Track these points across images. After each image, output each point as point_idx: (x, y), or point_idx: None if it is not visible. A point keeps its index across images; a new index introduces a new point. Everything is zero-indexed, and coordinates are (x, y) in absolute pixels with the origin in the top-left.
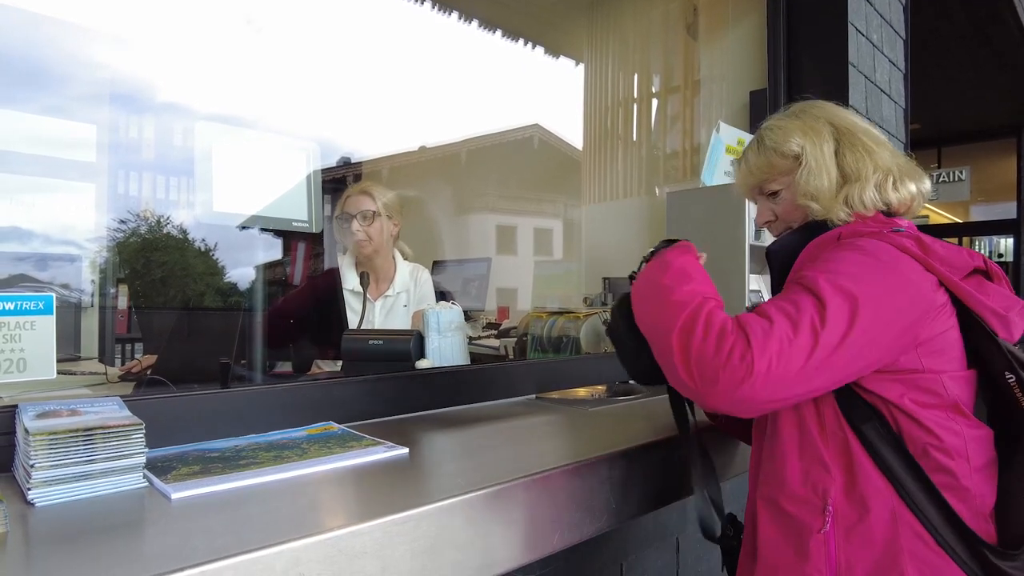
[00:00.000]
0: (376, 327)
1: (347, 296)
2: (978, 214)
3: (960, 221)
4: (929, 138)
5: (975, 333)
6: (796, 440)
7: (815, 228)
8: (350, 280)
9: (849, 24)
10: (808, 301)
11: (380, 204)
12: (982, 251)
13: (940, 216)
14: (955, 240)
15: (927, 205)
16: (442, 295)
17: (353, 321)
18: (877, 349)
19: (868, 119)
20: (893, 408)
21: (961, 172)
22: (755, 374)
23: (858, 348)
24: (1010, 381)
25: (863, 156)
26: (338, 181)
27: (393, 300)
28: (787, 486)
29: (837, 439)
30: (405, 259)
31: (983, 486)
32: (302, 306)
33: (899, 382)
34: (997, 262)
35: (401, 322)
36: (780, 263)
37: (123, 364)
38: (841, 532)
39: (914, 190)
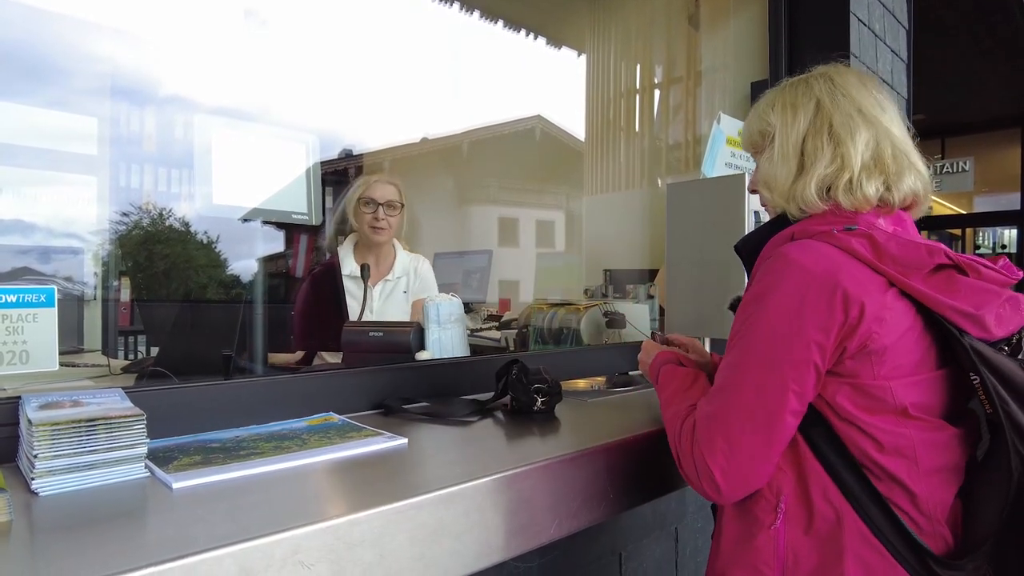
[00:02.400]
0: (374, 312)
1: (346, 282)
2: (982, 205)
3: (963, 212)
4: (933, 129)
5: (943, 333)
6: None
7: (778, 223)
8: (348, 265)
9: (851, 14)
10: (727, 393)
11: (403, 196)
12: (985, 242)
13: (943, 207)
14: (958, 232)
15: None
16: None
17: (352, 307)
18: (805, 377)
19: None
20: (835, 413)
21: (965, 163)
22: (721, 490)
23: (785, 396)
24: (975, 383)
25: (823, 146)
26: (340, 173)
27: (393, 285)
28: None
29: (789, 441)
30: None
31: (936, 490)
32: (306, 302)
33: (844, 385)
34: (1000, 253)
35: (399, 308)
36: (747, 257)
37: (126, 356)
38: (790, 529)
39: (872, 193)
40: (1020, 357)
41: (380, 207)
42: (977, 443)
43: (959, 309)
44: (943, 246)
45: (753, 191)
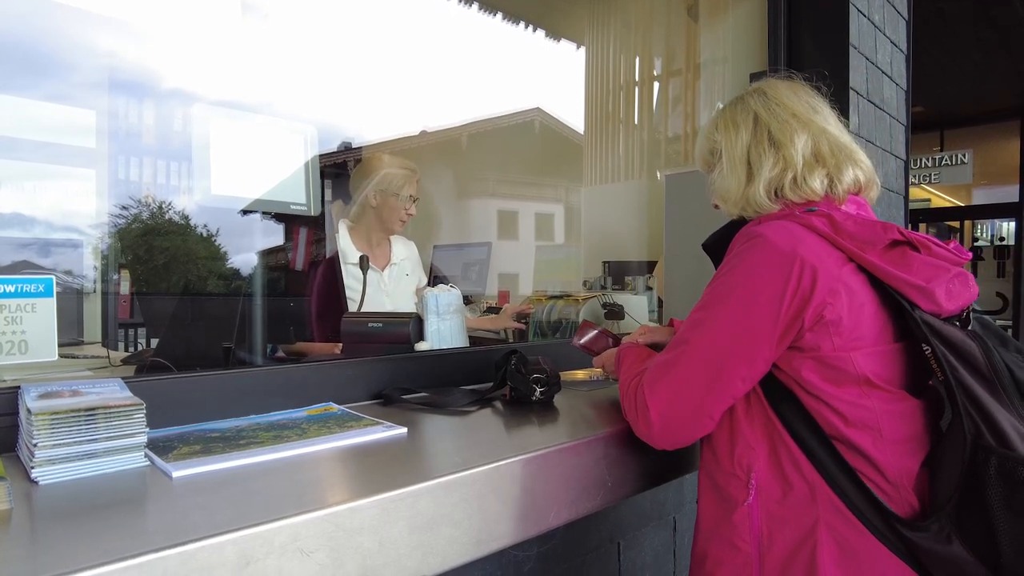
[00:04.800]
0: (389, 295)
1: (352, 269)
2: (980, 197)
3: (962, 204)
4: (932, 121)
5: (897, 306)
6: (727, 418)
7: (739, 221)
8: (352, 254)
9: (850, 4)
10: (680, 346)
11: None
12: (983, 234)
13: (942, 199)
14: (956, 224)
15: (927, 188)
16: (439, 279)
17: (359, 294)
18: (757, 341)
19: (826, 98)
20: (803, 387)
21: (964, 155)
22: (653, 428)
23: (737, 356)
24: (927, 352)
25: (765, 152)
26: (339, 166)
27: (399, 268)
28: (719, 461)
29: (760, 418)
30: None
31: (901, 459)
32: (320, 297)
33: (808, 358)
34: (998, 246)
35: (407, 290)
36: (715, 255)
37: (126, 348)
38: (764, 505)
39: (818, 186)
40: (970, 328)
41: (414, 203)
42: (941, 416)
43: (911, 283)
44: (896, 224)
45: (715, 206)
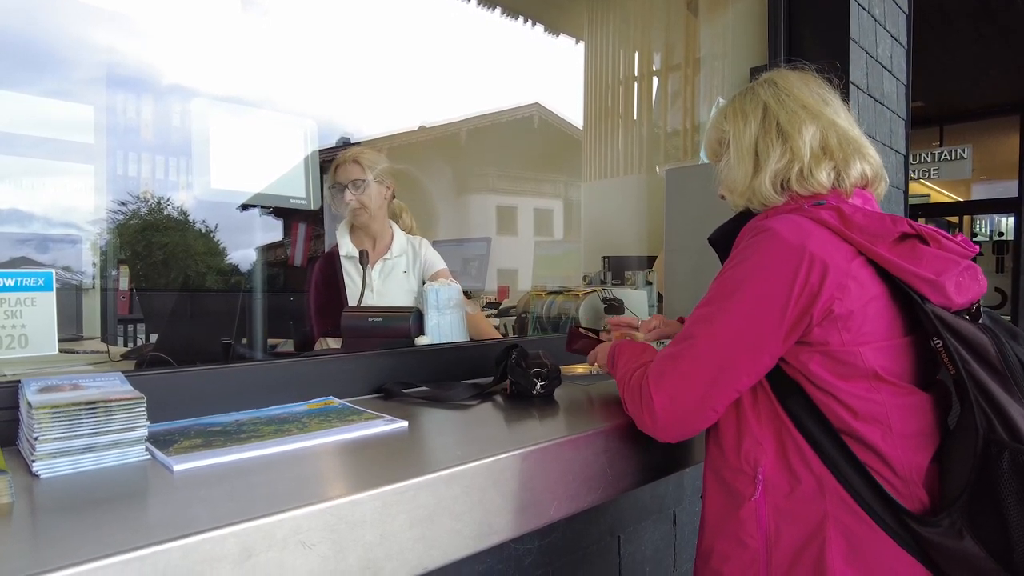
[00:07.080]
0: (375, 292)
1: (345, 263)
2: (979, 192)
3: (961, 199)
4: (931, 115)
5: (907, 300)
6: (733, 413)
7: (745, 214)
8: (345, 247)
9: None
10: (686, 340)
11: (369, 171)
12: (983, 230)
13: (941, 195)
14: (956, 219)
15: (926, 183)
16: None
17: (351, 288)
18: (764, 336)
19: (835, 95)
20: (811, 381)
21: (963, 150)
22: (658, 421)
23: (743, 350)
24: (937, 346)
25: (773, 143)
26: None
27: (392, 264)
28: (725, 456)
29: (767, 412)
30: (404, 230)
31: (910, 454)
32: (317, 291)
33: (816, 352)
34: (997, 241)
35: (399, 287)
36: (722, 248)
37: (126, 344)
38: (771, 500)
39: (824, 179)
40: (980, 322)
41: (346, 189)
42: (949, 411)
43: (921, 276)
44: (906, 218)
45: (722, 196)
